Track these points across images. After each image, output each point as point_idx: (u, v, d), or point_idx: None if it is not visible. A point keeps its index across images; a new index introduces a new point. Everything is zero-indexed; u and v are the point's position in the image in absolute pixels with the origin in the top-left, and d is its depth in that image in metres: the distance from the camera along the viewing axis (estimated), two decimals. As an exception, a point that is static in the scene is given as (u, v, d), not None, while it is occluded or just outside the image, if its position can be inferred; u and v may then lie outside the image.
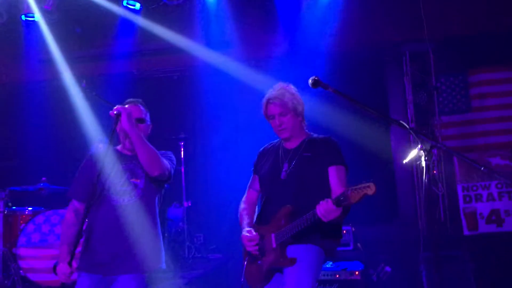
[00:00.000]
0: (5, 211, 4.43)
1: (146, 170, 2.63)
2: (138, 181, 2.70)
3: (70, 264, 2.45)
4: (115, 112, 2.60)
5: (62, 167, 5.12)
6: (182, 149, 5.32)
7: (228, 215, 5.27)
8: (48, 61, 5.77)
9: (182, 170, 5.30)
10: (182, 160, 5.33)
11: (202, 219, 5.54)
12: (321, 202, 2.30)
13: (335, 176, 2.56)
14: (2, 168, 4.95)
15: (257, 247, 2.55)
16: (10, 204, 4.60)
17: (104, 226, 2.62)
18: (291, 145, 2.69)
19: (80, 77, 4.79)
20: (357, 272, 4.15)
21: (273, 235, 2.52)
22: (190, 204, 5.27)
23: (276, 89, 2.66)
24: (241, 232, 2.67)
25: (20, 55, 5.73)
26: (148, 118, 2.84)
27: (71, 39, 5.81)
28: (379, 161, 5.21)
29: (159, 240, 2.73)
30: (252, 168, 2.85)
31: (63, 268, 2.48)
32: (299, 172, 2.59)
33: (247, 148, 5.18)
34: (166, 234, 5.04)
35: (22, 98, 5.80)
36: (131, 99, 2.82)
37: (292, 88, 2.68)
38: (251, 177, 2.85)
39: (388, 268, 4.43)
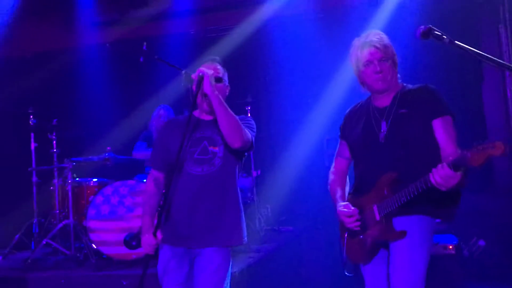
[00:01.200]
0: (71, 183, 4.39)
1: (226, 141, 2.49)
2: (217, 148, 2.58)
3: (155, 234, 2.41)
4: (200, 74, 2.45)
5: (126, 136, 5.08)
6: (249, 114, 5.07)
7: (299, 184, 5.08)
8: (102, 23, 5.68)
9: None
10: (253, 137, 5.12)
11: (269, 190, 5.36)
12: (434, 169, 2.00)
13: (442, 131, 2.25)
14: (65, 138, 4.89)
15: (358, 223, 2.37)
16: (75, 175, 4.59)
17: (183, 197, 2.54)
18: (383, 102, 2.40)
19: (140, 39, 4.57)
20: (450, 246, 3.86)
21: (375, 206, 2.29)
22: (259, 173, 5.05)
23: (372, 34, 2.37)
24: (334, 206, 2.50)
25: (76, 19, 5.64)
26: (226, 78, 2.69)
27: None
28: (470, 122, 4.78)
29: (240, 214, 2.62)
30: (339, 134, 2.62)
31: (148, 239, 2.44)
32: (398, 132, 2.32)
33: (319, 114, 4.98)
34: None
35: (83, 64, 5.76)
36: (209, 57, 2.68)
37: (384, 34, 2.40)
38: (339, 143, 2.64)
39: (482, 242, 4.12)
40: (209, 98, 2.46)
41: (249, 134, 2.56)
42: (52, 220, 4.66)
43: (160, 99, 4.85)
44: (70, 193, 4.36)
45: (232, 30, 5.37)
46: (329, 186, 2.62)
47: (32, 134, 4.83)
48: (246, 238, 2.62)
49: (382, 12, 4.65)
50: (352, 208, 2.38)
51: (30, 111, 4.76)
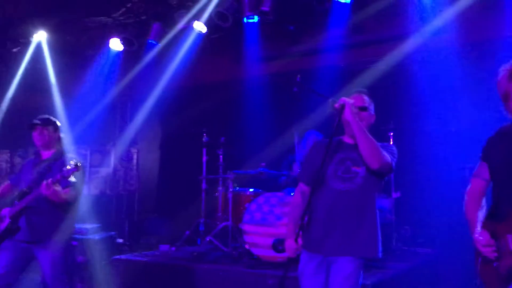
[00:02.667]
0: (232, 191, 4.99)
1: (365, 161, 2.66)
2: (359, 169, 2.75)
3: (296, 241, 2.64)
4: (341, 103, 2.69)
5: (277, 155, 5.55)
6: (391, 139, 5.25)
7: (439, 208, 5.04)
8: (264, 58, 6.31)
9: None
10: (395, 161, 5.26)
11: (410, 212, 5.37)
12: None
13: None
14: (229, 155, 5.58)
15: (495, 254, 2.31)
16: (235, 185, 5.20)
17: (324, 209, 2.76)
18: None
19: (293, 72, 5.11)
20: None
21: (509, 236, 2.25)
22: (399, 195, 5.18)
23: None
24: (469, 229, 2.44)
25: (243, 53, 6.33)
26: (371, 108, 2.89)
27: (284, 37, 6.28)
28: None
29: (376, 229, 2.76)
30: (480, 154, 2.56)
31: (290, 244, 2.68)
32: None
33: (460, 139, 4.93)
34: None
35: (248, 92, 6.40)
36: (357, 89, 2.93)
37: None
38: (478, 164, 2.57)
39: None
40: (351, 127, 2.67)
41: (388, 158, 2.71)
42: (215, 221, 5.22)
43: (309, 124, 5.28)
44: (230, 200, 4.89)
45: (378, 62, 5.56)
46: (464, 208, 2.54)
47: (204, 149, 5.58)
48: (380, 254, 2.74)
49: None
50: (488, 237, 2.32)
51: (203, 130, 5.53)
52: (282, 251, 4.24)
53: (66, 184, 3.47)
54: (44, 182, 3.35)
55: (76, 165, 3.33)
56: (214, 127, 5.80)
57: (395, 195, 5.18)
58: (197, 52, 6.36)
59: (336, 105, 2.71)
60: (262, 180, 5.23)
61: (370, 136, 2.67)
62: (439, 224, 4.85)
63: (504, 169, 2.39)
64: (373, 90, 5.54)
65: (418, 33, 5.21)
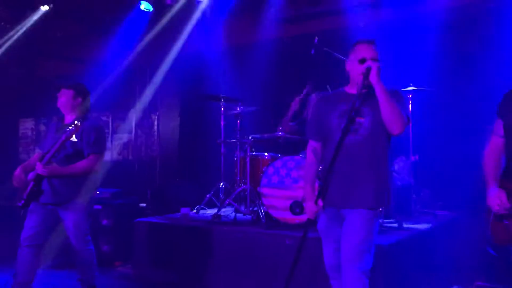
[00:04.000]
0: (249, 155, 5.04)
1: (387, 127, 2.60)
2: (363, 119, 2.67)
3: (316, 203, 2.62)
4: (368, 67, 2.60)
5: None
6: (410, 102, 5.18)
7: (458, 171, 5.01)
8: (283, 19, 6.20)
9: (410, 124, 5.18)
10: (410, 113, 5.21)
11: (429, 175, 5.35)
12: None
13: None
14: (247, 118, 5.61)
15: (505, 212, 2.37)
16: (253, 149, 5.25)
17: (330, 163, 2.62)
18: None
19: (311, 34, 5.02)
20: None
21: None
22: (417, 158, 5.15)
23: None
24: (486, 186, 2.47)
25: (259, 16, 6.27)
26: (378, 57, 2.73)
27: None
28: None
29: (387, 180, 2.72)
30: (497, 111, 2.57)
31: (310, 206, 2.68)
32: None
33: (480, 103, 4.83)
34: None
35: (259, 56, 6.33)
36: (366, 39, 2.78)
37: None
38: (495, 122, 2.59)
39: None
40: (375, 90, 2.57)
41: (405, 118, 2.61)
42: (234, 184, 5.29)
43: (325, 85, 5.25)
44: (248, 164, 4.96)
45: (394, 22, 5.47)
46: (483, 164, 2.58)
47: (222, 115, 5.61)
48: (388, 204, 2.72)
49: None
50: (503, 195, 2.36)
51: (221, 95, 5.53)
52: (300, 213, 4.31)
53: (73, 149, 3.59)
54: (38, 163, 3.47)
55: (75, 125, 3.41)
56: (231, 91, 5.81)
57: (413, 157, 5.15)
58: (214, 14, 6.33)
59: (362, 68, 2.63)
60: (280, 144, 5.25)
61: (393, 101, 2.58)
62: (458, 187, 4.82)
63: None
64: (392, 48, 5.46)
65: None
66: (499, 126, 2.55)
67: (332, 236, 2.78)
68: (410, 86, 5.08)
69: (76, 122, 3.47)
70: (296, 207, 4.34)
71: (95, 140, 3.71)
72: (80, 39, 7.40)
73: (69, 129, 3.45)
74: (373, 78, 2.57)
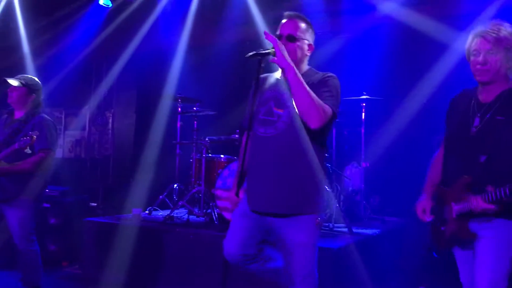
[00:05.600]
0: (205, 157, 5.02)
1: (302, 119, 2.22)
2: (282, 111, 2.33)
3: (237, 194, 2.39)
4: (272, 44, 2.18)
5: None
6: (363, 110, 5.32)
7: (408, 179, 5.16)
8: (239, 23, 6.23)
9: (362, 131, 5.34)
10: (363, 121, 5.36)
11: (379, 181, 5.50)
12: None
13: None
14: (204, 119, 5.58)
15: (429, 219, 2.39)
16: (209, 151, 5.23)
17: (251, 159, 2.40)
18: (487, 97, 2.28)
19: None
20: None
21: (453, 204, 2.28)
22: (368, 165, 5.29)
23: (490, 24, 2.24)
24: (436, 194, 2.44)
25: (219, 19, 6.27)
26: (308, 36, 2.41)
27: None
28: None
29: (312, 183, 2.30)
30: (445, 119, 2.48)
31: (231, 196, 2.47)
32: (490, 134, 2.20)
33: (428, 112, 5.03)
34: (341, 190, 5.24)
35: (218, 58, 6.33)
36: (285, 13, 2.45)
37: (509, 26, 2.24)
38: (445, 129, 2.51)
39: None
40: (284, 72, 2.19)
41: (328, 109, 2.24)
42: (188, 186, 5.27)
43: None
44: (203, 166, 4.93)
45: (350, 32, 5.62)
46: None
47: (178, 115, 5.59)
48: (322, 211, 2.36)
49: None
50: (428, 206, 2.39)
51: (178, 95, 5.52)
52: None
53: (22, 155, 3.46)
54: None
55: (31, 137, 3.32)
56: (189, 91, 5.77)
57: (364, 164, 5.28)
58: (175, 13, 6.30)
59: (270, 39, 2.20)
60: (236, 146, 5.22)
61: (307, 90, 2.17)
62: (407, 194, 4.96)
63: (453, 137, 2.38)
64: (343, 58, 5.57)
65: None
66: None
67: (240, 228, 2.47)
68: (364, 94, 5.24)
69: (32, 135, 3.35)
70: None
71: (46, 136, 3.59)
72: (35, 31, 7.14)
73: (24, 139, 3.34)
74: (280, 60, 2.16)
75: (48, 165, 3.67)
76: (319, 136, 2.35)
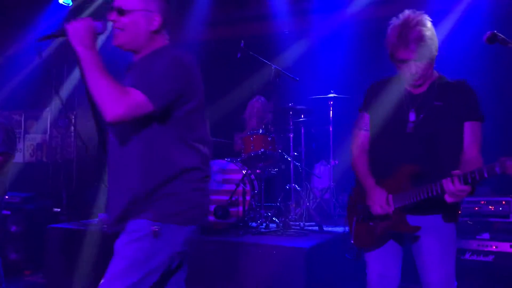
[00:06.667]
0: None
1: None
2: None
3: None
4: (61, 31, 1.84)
5: (221, 122, 5.52)
6: (331, 108, 5.35)
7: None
8: (209, 23, 6.17)
9: (330, 129, 5.37)
10: (331, 119, 5.39)
11: (348, 179, 5.53)
12: (451, 178, 1.93)
13: (470, 134, 2.16)
14: None
15: (387, 213, 2.19)
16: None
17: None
18: (418, 88, 2.26)
19: (238, 38, 5.04)
20: (517, 246, 3.86)
21: (390, 196, 2.19)
22: (337, 163, 5.33)
23: (412, 24, 2.16)
24: (362, 183, 2.31)
25: (186, 16, 6.16)
26: (147, 5, 1.90)
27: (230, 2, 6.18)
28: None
29: (139, 187, 1.90)
30: (362, 106, 2.41)
31: None
32: (430, 126, 2.19)
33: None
34: (310, 189, 5.26)
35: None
36: None
37: (426, 18, 2.19)
38: (359, 115, 2.42)
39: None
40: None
41: (132, 101, 1.76)
42: None
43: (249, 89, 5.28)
44: None
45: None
46: (353, 162, 2.41)
47: None
48: (151, 221, 1.90)
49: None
50: (390, 197, 2.18)
51: None
52: (222, 217, 4.31)
53: None
54: None
55: None
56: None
57: (333, 162, 5.32)
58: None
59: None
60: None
61: (98, 72, 1.78)
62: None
63: (386, 129, 2.30)
64: (311, 56, 5.60)
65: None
66: (365, 120, 2.39)
67: None
68: (331, 93, 5.27)
69: None
70: (219, 210, 4.35)
71: (3, 140, 3.43)
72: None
73: None
74: (72, 39, 1.83)
75: (7, 170, 3.51)
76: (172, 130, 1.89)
